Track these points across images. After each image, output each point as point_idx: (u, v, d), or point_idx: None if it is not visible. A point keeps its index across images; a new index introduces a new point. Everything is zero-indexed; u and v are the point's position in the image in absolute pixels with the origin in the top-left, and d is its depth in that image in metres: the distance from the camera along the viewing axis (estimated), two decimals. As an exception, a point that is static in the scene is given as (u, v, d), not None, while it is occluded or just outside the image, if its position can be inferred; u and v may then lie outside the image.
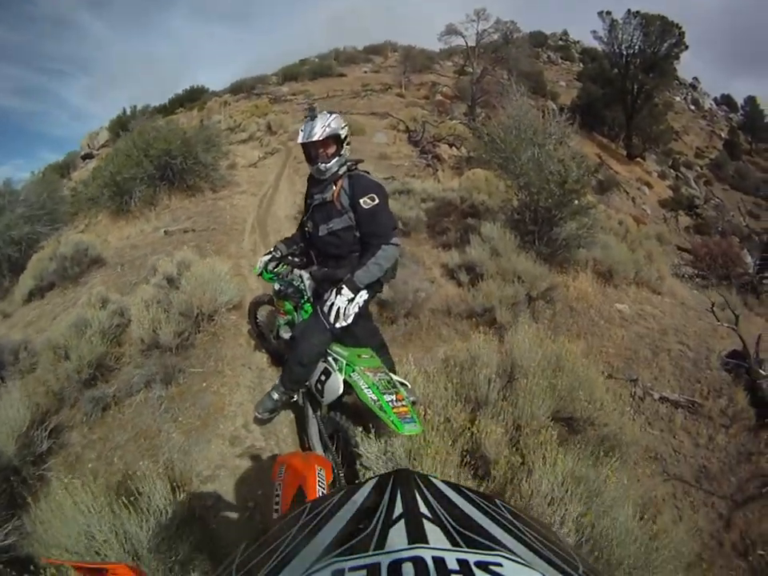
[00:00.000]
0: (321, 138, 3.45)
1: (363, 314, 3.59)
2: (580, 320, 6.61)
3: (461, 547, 0.67)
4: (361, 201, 3.42)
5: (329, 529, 0.80)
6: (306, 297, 3.95)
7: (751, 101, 53.48)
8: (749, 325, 7.21)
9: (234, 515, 3.51)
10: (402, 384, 3.22)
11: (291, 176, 15.78)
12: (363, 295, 3.41)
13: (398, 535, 0.69)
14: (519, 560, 0.66)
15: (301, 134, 3.56)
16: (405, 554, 0.63)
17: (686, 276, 13.14)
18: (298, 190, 12.97)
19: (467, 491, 0.93)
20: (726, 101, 64.97)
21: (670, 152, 39.95)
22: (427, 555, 0.62)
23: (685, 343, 6.21)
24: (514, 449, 3.31)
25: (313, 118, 3.53)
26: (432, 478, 0.96)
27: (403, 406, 2.89)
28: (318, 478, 2.09)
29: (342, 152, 3.58)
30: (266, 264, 4.13)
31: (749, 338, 5.61)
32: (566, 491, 2.74)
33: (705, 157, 43.51)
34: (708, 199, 33.40)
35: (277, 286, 4.07)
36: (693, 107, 58.25)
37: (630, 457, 3.71)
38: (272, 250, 4.18)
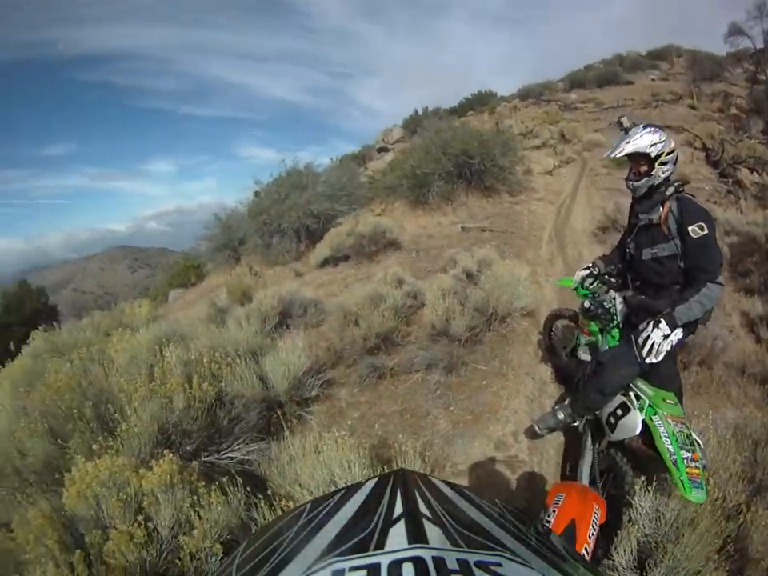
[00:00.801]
0: (622, 154, 3.32)
1: (672, 354, 3.27)
2: None
3: (461, 547, 0.67)
4: (689, 229, 3.13)
5: (329, 529, 0.79)
6: (615, 321, 3.70)
7: None
8: None
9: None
10: (697, 443, 2.91)
11: (588, 188, 15.18)
12: (678, 333, 3.13)
13: (398, 535, 0.69)
14: (519, 560, 0.67)
15: (615, 145, 3.41)
16: (405, 554, 0.63)
17: None
18: (596, 204, 12.54)
19: (467, 491, 0.94)
20: None
21: None
22: (427, 555, 0.62)
23: None
24: None
25: (624, 130, 3.42)
26: (432, 478, 0.97)
27: (696, 467, 2.69)
28: (593, 517, 2.00)
29: (654, 172, 3.29)
30: (584, 279, 4.00)
31: None
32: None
33: None
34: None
35: (587, 304, 3.87)
36: None
37: None
38: (590, 265, 4.04)
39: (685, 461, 2.68)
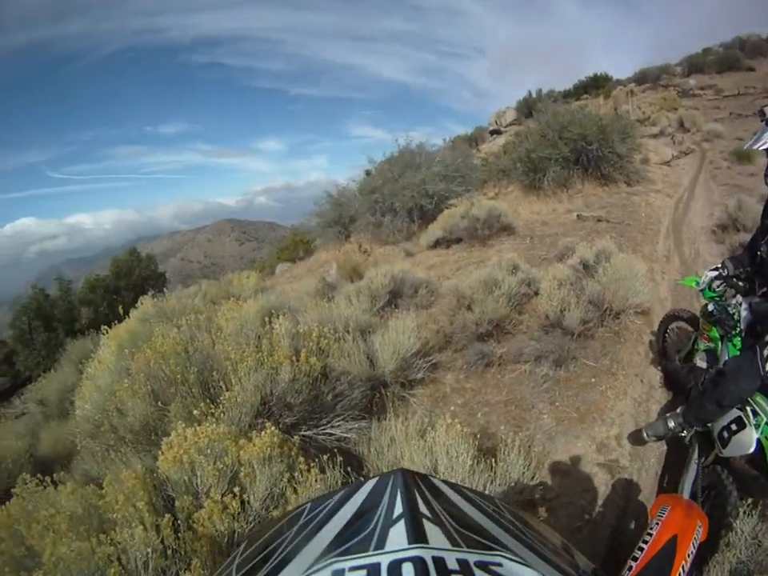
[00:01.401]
0: (765, 147, 3.02)
1: None
2: None
3: (461, 547, 0.67)
4: None
5: (329, 529, 0.79)
6: (738, 328, 3.47)
7: None
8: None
9: (563, 517, 3.39)
10: None
11: (708, 182, 14.38)
12: None
13: (398, 535, 0.69)
14: (519, 560, 0.67)
15: (752, 139, 3.16)
16: (405, 554, 0.63)
17: None
18: (716, 200, 11.86)
19: (467, 491, 0.94)
20: None
21: None
22: (427, 555, 0.62)
23: None
24: None
25: (766, 122, 3.11)
26: (432, 478, 0.95)
27: None
28: (695, 535, 1.96)
29: None
30: (712, 280, 3.78)
31: None
32: None
33: None
34: None
35: (711, 308, 3.69)
36: None
37: None
38: (719, 266, 3.80)
39: None
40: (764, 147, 3.03)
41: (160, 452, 2.88)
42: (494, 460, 3.03)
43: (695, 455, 3.39)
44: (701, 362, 3.81)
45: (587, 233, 8.29)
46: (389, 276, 6.31)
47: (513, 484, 3.07)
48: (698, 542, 1.95)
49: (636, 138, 13.96)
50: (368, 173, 15.00)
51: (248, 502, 2.70)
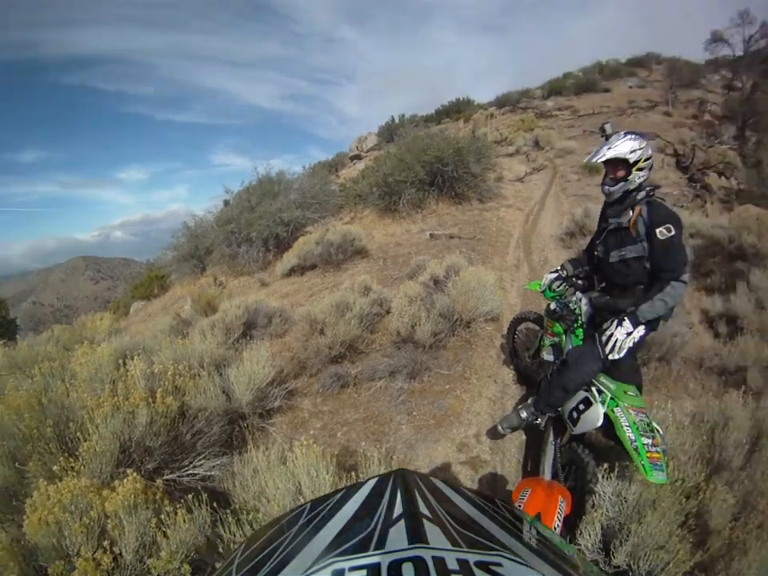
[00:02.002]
0: (603, 159, 3.38)
1: (633, 350, 3.41)
2: None
3: (461, 547, 0.67)
4: (657, 231, 3.27)
5: (329, 529, 0.80)
6: (580, 322, 3.83)
7: None
8: None
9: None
10: (657, 430, 3.06)
11: (558, 194, 15.50)
12: (641, 330, 3.29)
13: (398, 535, 0.69)
14: (519, 560, 0.67)
15: (595, 151, 3.47)
16: (405, 554, 0.63)
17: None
18: (565, 210, 12.77)
19: (467, 492, 0.94)
20: None
21: None
22: (427, 555, 0.62)
23: None
24: (740, 523, 2.93)
25: (606, 137, 3.48)
26: (432, 479, 0.97)
27: (657, 452, 2.83)
28: (558, 509, 2.11)
29: (631, 177, 3.39)
30: (552, 282, 4.14)
31: None
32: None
33: None
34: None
35: (553, 306, 4.04)
36: None
37: None
38: (558, 268, 4.19)
39: (646, 446, 2.81)
40: (602, 160, 3.37)
41: (25, 516, 2.69)
42: (354, 473, 3.05)
43: (551, 438, 3.64)
44: (548, 355, 4.10)
45: (439, 250, 8.57)
46: (242, 307, 6.23)
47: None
48: (563, 515, 2.11)
49: (491, 157, 14.73)
50: (226, 203, 14.74)
51: (120, 555, 2.61)
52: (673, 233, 3.22)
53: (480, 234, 9.90)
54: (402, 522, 0.73)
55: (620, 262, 3.50)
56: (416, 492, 0.85)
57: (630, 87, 39.98)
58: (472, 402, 4.59)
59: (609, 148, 3.33)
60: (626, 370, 3.48)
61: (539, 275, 7.82)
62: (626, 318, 3.24)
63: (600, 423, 3.19)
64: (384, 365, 4.94)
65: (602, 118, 28.72)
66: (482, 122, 32.20)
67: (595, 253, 3.78)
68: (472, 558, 0.63)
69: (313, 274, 9.30)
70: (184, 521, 2.70)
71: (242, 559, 0.86)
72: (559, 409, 3.63)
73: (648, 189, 3.43)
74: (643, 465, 2.73)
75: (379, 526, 0.73)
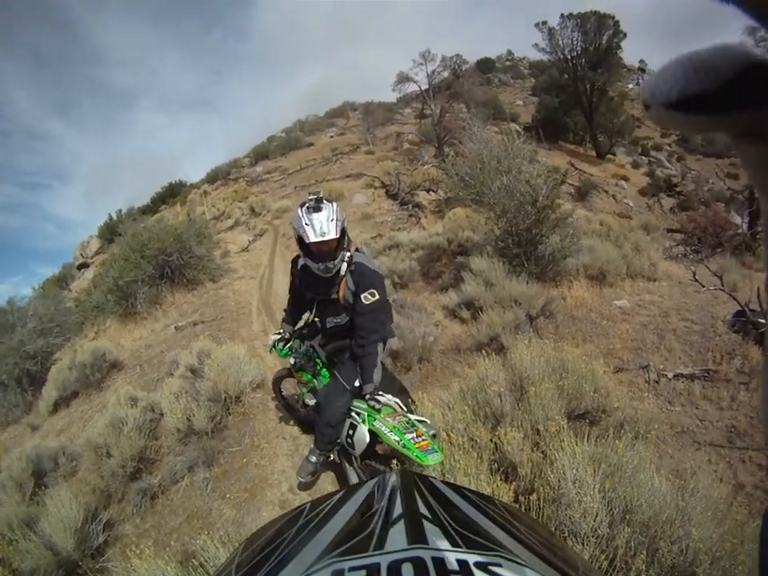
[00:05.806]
0: (338, 236, 3.31)
1: (379, 367, 3.68)
2: (583, 326, 6.68)
3: (460, 547, 0.67)
4: (362, 296, 3.44)
5: (329, 529, 0.81)
6: (321, 364, 4.25)
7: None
8: (752, 282, 7.37)
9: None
10: (421, 421, 3.38)
11: (283, 253, 16.10)
12: (380, 353, 3.60)
13: (397, 535, 0.70)
14: (518, 560, 0.67)
15: (310, 231, 3.27)
16: (404, 555, 0.64)
17: (680, 255, 12.90)
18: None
19: (467, 492, 0.95)
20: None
21: (636, 140, 40.34)
22: (427, 555, 0.63)
23: (688, 319, 6.23)
24: (536, 449, 3.49)
25: (318, 209, 3.30)
26: (432, 479, 0.99)
27: (423, 440, 3.10)
28: None
29: (344, 242, 3.44)
30: (275, 344, 4.41)
31: (752, 293, 5.85)
32: (587, 471, 2.87)
33: (671, 134, 43.24)
34: (684, 174, 33.20)
35: (292, 360, 4.33)
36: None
37: (652, 433, 3.70)
38: (280, 330, 4.44)
39: (411, 440, 3.08)
40: (332, 237, 3.29)
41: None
42: (202, 569, 3.14)
43: (347, 465, 3.98)
44: (310, 400, 4.46)
45: (188, 340, 8.53)
46: (23, 458, 5.63)
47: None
48: None
49: (212, 236, 14.99)
50: None
51: None
52: (377, 297, 3.44)
53: (222, 313, 10.09)
54: (401, 523, 0.73)
55: (337, 327, 3.76)
56: (415, 492, 0.86)
57: (332, 137, 42.87)
58: (272, 464, 4.79)
59: (333, 220, 3.27)
60: (381, 385, 3.69)
61: (285, 333, 8.23)
62: (367, 396, 3.54)
63: (368, 439, 3.49)
64: (180, 464, 4.96)
65: (309, 171, 30.84)
66: (198, 201, 32.06)
67: (310, 316, 4.15)
68: (472, 558, 0.64)
69: (78, 401, 8.68)
70: None
71: (242, 559, 0.86)
72: (339, 441, 3.87)
73: (347, 255, 3.49)
74: (416, 456, 2.98)
75: (379, 527, 0.73)
